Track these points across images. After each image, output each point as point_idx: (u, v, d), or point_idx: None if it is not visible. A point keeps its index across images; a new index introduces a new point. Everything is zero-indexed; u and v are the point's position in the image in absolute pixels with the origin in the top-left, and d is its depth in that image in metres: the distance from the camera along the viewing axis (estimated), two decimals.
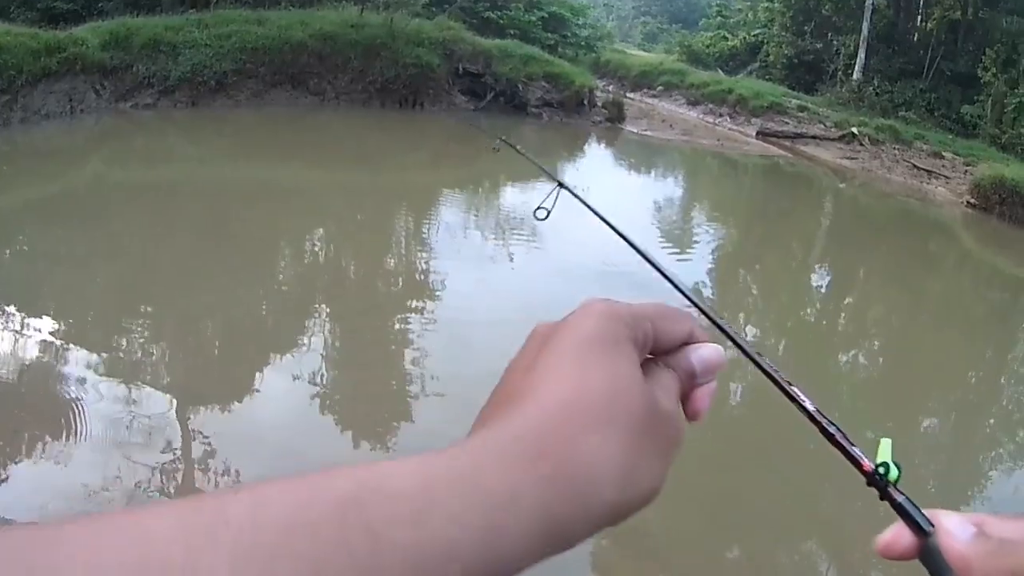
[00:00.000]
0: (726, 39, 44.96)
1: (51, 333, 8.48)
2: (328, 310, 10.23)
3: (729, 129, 28.76)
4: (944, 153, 24.84)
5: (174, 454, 6.32)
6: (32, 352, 7.99)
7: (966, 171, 23.03)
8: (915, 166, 23.90)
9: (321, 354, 8.68)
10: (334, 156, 18.72)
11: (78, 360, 7.90)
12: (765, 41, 40.52)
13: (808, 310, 12.39)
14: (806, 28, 37.39)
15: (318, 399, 7.61)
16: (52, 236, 12.29)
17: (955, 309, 12.98)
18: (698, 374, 0.70)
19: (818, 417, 0.77)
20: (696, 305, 0.93)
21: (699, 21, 61.00)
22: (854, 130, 26.31)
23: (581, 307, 0.66)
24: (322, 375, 8.12)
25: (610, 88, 32.10)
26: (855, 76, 32.83)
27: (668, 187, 21.85)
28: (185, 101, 21.40)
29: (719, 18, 51.10)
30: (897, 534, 0.69)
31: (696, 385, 0.70)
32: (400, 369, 8.44)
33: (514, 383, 0.63)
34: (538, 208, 2.63)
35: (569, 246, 13.15)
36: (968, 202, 20.70)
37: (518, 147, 4.38)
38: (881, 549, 0.70)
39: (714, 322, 0.88)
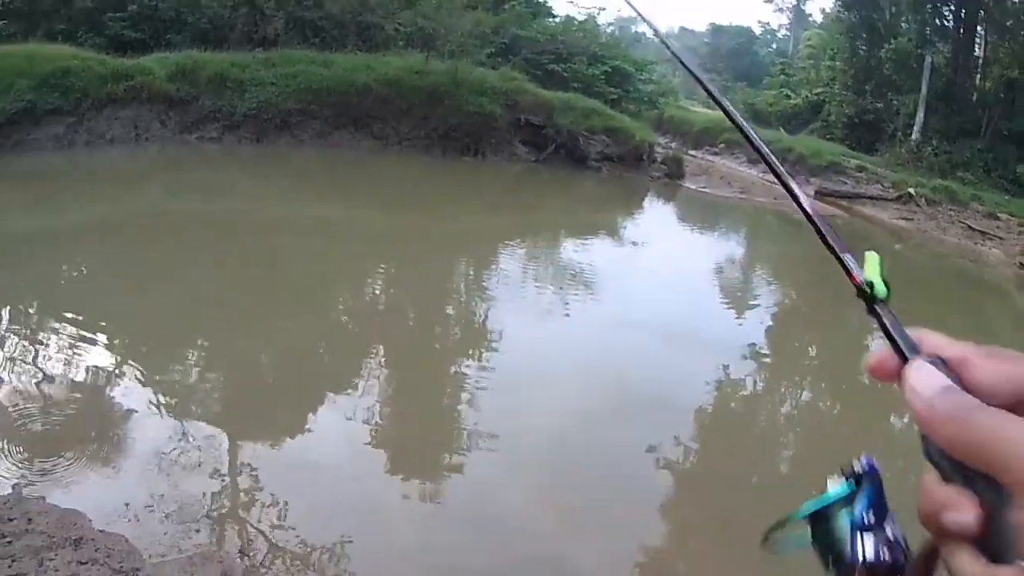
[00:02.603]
0: (788, 97, 44.86)
1: (103, 355, 8.47)
2: (382, 352, 10.10)
3: None
4: (999, 214, 24.60)
5: (221, 482, 6.20)
6: (82, 373, 7.95)
7: (1020, 232, 22.84)
8: (970, 227, 23.61)
9: (374, 393, 8.57)
10: (395, 200, 18.70)
11: (128, 383, 7.87)
12: (827, 100, 40.46)
13: (865, 374, 12.10)
14: (867, 87, 37.29)
15: (368, 441, 7.48)
16: (110, 259, 12.37)
17: None
18: None
19: (816, 220, 0.86)
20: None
21: (763, 79, 61.02)
22: (911, 191, 26.15)
23: None
24: (374, 414, 8.00)
25: (672, 144, 32.09)
26: (914, 136, 32.69)
27: (726, 244, 21.69)
28: (250, 137, 21.58)
29: (782, 76, 51.11)
30: (884, 356, 0.72)
31: None
32: (451, 417, 8.27)
33: None
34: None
35: (627, 300, 12.96)
36: (1021, 263, 20.39)
37: None
38: (869, 369, 0.73)
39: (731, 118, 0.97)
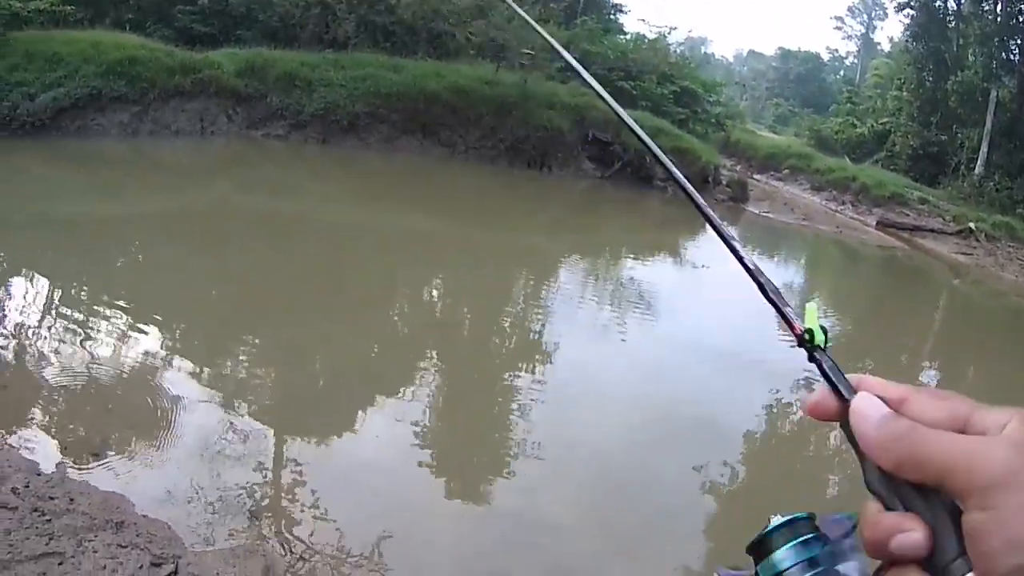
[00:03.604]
0: (854, 126, 44.54)
1: (156, 343, 8.48)
2: (435, 359, 10.04)
3: (850, 217, 28.42)
4: None
5: (264, 476, 6.15)
6: (134, 359, 7.94)
7: None
8: None
9: (423, 401, 8.49)
10: (459, 209, 18.63)
11: (179, 372, 7.87)
12: (892, 130, 40.15)
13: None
14: (932, 119, 37.01)
15: (415, 443, 7.41)
16: (172, 248, 12.45)
17: None
18: None
19: (757, 275, 0.84)
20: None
21: (830, 106, 60.71)
22: (972, 225, 25.93)
23: None
24: (423, 420, 7.92)
25: (737, 168, 32.01)
26: (977, 170, 32.42)
27: (787, 271, 21.36)
28: (316, 137, 21.62)
29: (849, 104, 50.89)
30: (823, 396, 0.74)
31: None
32: (500, 427, 8.21)
33: None
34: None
35: (684, 322, 12.85)
36: None
37: None
38: (808, 409, 0.74)
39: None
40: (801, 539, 0.70)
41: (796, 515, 0.72)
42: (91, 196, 14.44)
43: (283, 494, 6.02)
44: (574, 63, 1.27)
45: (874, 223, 27.18)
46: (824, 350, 0.77)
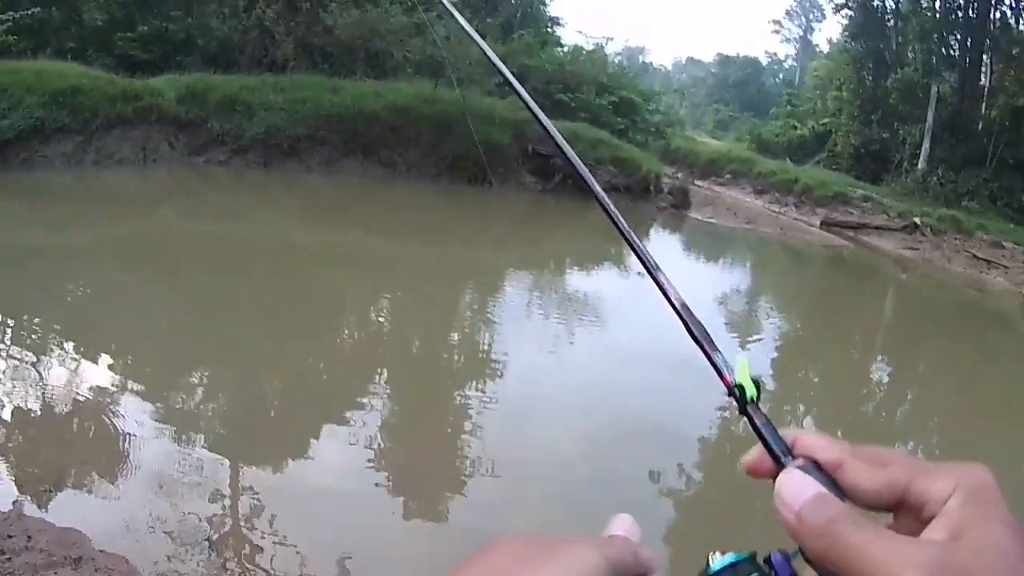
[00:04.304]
0: (795, 128, 45.10)
1: (107, 375, 8.47)
2: (386, 379, 10.09)
3: (793, 219, 28.80)
4: (1004, 243, 24.72)
5: (222, 505, 6.17)
6: (87, 391, 7.95)
7: None
8: (975, 256, 23.76)
9: (377, 421, 8.53)
10: (402, 228, 18.68)
11: (132, 403, 7.86)
12: (833, 130, 40.68)
13: (867, 404, 12.01)
14: (873, 117, 37.55)
15: (371, 465, 7.45)
16: (119, 279, 12.44)
17: (1013, 402, 12.54)
18: None
19: (685, 316, 0.80)
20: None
21: (770, 110, 61.29)
22: (917, 220, 26.29)
23: None
24: (377, 442, 7.96)
25: (679, 175, 32.21)
26: (920, 165, 32.91)
27: (732, 275, 21.63)
28: (258, 161, 21.66)
29: (789, 107, 51.47)
30: (758, 458, 0.70)
31: None
32: (455, 444, 8.27)
33: None
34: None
35: (631, 330, 12.96)
36: None
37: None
38: (746, 468, 0.71)
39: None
40: None
41: (738, 555, 0.68)
42: (37, 228, 14.42)
43: (242, 522, 6.04)
44: (503, 69, 1.24)
45: (818, 223, 27.54)
46: (757, 406, 0.74)
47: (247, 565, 5.46)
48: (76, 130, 18.55)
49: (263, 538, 5.81)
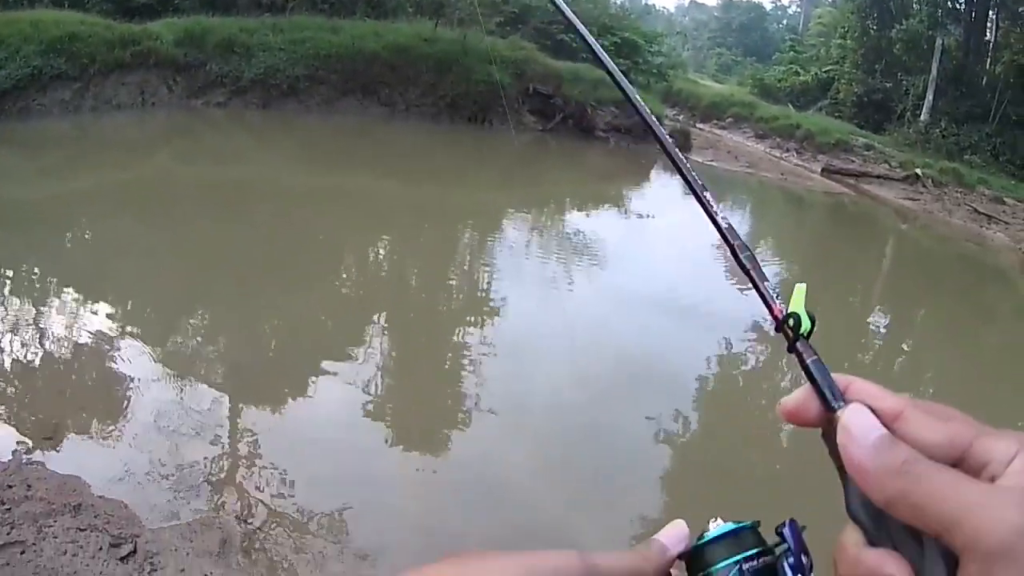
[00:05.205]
0: (798, 74, 44.62)
1: (106, 321, 8.47)
2: (385, 322, 10.10)
3: (795, 164, 28.52)
4: (1006, 199, 24.47)
5: (221, 449, 6.21)
6: (88, 336, 7.98)
7: None
8: (976, 210, 23.51)
9: (376, 363, 8.58)
10: (402, 168, 18.59)
11: (133, 347, 7.89)
12: (836, 78, 40.22)
13: (863, 354, 11.99)
14: (876, 67, 37.14)
15: (371, 406, 7.49)
16: (117, 225, 12.38)
17: (1009, 357, 12.52)
18: None
19: (731, 239, 0.77)
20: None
21: (773, 55, 60.76)
22: (918, 171, 26.01)
23: None
24: (376, 383, 8.01)
25: (680, 117, 32.12)
26: (923, 117, 32.51)
27: (732, 218, 21.37)
28: (257, 103, 21.52)
29: (792, 53, 50.85)
30: (804, 402, 0.64)
31: None
32: (453, 387, 8.27)
33: None
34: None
35: (631, 272, 12.95)
36: None
37: None
38: (785, 413, 0.65)
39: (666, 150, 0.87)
40: (744, 555, 0.64)
41: (740, 524, 0.65)
42: (35, 177, 14.36)
43: (240, 466, 6.08)
44: (575, 20, 1.06)
45: (819, 170, 27.24)
46: (808, 343, 0.67)
47: (245, 508, 5.49)
48: (74, 77, 18.41)
49: (261, 482, 5.85)
